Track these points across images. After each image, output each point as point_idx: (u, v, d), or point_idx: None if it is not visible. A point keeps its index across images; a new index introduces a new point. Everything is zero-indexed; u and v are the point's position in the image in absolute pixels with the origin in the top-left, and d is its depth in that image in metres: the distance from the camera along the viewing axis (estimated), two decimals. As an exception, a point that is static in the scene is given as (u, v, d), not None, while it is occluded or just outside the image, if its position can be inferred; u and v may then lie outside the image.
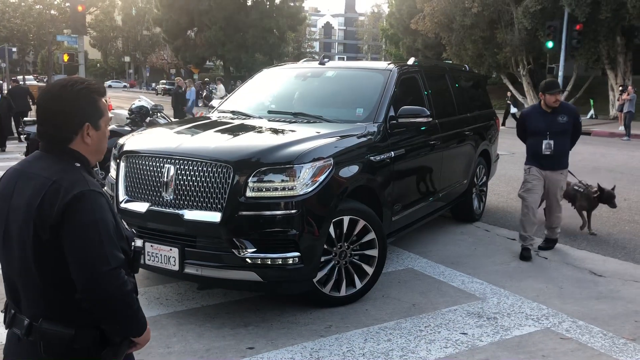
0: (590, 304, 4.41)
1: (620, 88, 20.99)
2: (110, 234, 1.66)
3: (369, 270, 4.42)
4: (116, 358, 1.74)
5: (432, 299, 4.51)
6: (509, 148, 13.14)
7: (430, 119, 5.27)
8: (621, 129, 19.88)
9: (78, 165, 1.72)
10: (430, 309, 4.32)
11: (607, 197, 6.40)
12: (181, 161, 4.02)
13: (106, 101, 1.84)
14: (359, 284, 4.37)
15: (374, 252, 4.43)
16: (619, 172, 11.19)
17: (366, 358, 3.51)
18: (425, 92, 5.85)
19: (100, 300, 1.63)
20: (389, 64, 5.75)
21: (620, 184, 9.91)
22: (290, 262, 3.85)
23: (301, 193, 3.88)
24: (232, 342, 3.68)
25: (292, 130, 4.67)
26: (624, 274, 5.18)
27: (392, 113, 5.00)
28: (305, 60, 6.63)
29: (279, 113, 5.33)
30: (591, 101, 25.75)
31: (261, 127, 4.82)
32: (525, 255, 5.57)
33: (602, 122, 23.71)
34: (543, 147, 5.54)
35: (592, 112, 25.53)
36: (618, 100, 20.72)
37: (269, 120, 5.09)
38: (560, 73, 23.62)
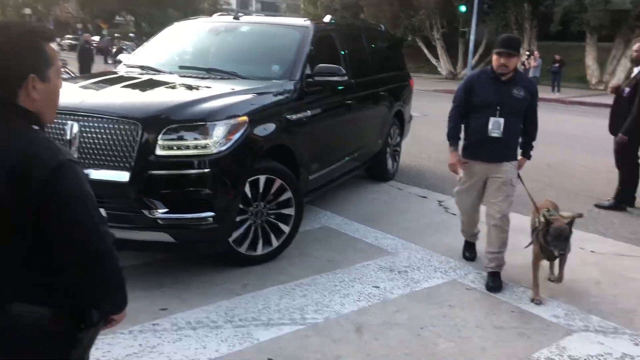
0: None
1: (527, 53, 21.99)
2: (97, 209, 1.52)
3: (286, 229, 4.42)
4: (92, 339, 1.63)
5: (347, 255, 4.60)
6: (423, 109, 13.48)
7: (346, 78, 5.21)
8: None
9: (37, 128, 1.48)
10: (344, 264, 4.40)
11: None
12: (85, 118, 3.79)
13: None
14: (275, 243, 4.37)
15: (290, 211, 4.42)
16: (523, 133, 11.77)
17: (281, 314, 3.54)
18: (342, 52, 5.81)
19: (100, 280, 1.53)
20: (305, 20, 5.66)
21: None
22: (205, 222, 3.77)
23: (215, 152, 3.78)
24: (144, 303, 3.59)
25: (205, 87, 4.52)
26: (525, 228, 5.50)
27: (308, 71, 4.93)
28: (219, 15, 6.40)
29: (191, 69, 5.14)
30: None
31: (172, 83, 4.62)
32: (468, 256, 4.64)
33: (510, 86, 24.78)
34: (490, 126, 4.05)
35: None
36: (524, 65, 21.69)
37: (181, 76, 4.90)
38: (472, 37, 24.38)
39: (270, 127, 4.30)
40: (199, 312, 3.52)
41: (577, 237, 5.29)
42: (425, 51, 31.84)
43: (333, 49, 5.73)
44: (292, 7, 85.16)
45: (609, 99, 6.59)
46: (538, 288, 3.90)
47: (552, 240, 3.74)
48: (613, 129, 6.30)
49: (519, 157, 4.28)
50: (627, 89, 6.15)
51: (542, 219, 3.88)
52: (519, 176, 4.25)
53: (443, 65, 31.50)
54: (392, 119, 7.20)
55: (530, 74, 19.98)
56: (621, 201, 6.32)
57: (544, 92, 20.71)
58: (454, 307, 3.76)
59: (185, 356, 3.02)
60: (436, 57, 31.65)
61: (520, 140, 4.26)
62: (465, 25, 27.35)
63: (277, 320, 3.46)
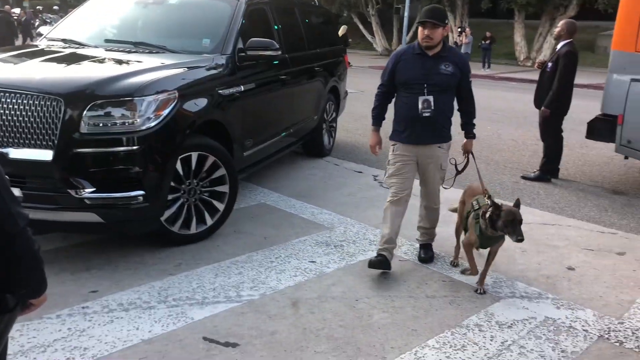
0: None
1: (459, 30, 22.45)
2: (8, 189, 1.43)
3: (220, 206, 4.36)
4: (8, 325, 1.54)
5: (283, 231, 4.60)
6: (357, 86, 13.56)
7: (280, 53, 5.12)
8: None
9: None
10: (281, 241, 4.40)
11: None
12: (3, 94, 3.57)
13: None
14: (209, 221, 4.31)
15: (224, 189, 4.36)
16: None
17: (216, 292, 3.51)
18: (276, 26, 5.72)
19: (13, 263, 1.47)
20: None
21: (455, 119, 10.74)
22: (134, 201, 3.66)
23: (143, 128, 3.65)
24: (73, 286, 3.47)
25: (133, 61, 4.34)
26: (456, 201, 5.66)
27: (240, 45, 4.83)
28: None
29: (118, 42, 4.92)
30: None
31: (97, 57, 4.41)
32: (373, 261, 3.82)
33: (443, 62, 25.28)
34: (420, 105, 3.76)
35: None
36: (455, 41, 22.16)
37: (106, 50, 4.69)
38: (406, 14, 24.60)
39: (202, 102, 4.20)
40: (131, 294, 3.43)
41: (505, 208, 5.51)
42: (361, 27, 31.92)
43: (266, 22, 5.65)
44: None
45: (536, 75, 6.83)
46: (478, 272, 3.73)
47: (506, 225, 3.43)
48: (537, 102, 6.55)
49: (465, 140, 4.12)
50: (549, 64, 6.40)
51: (486, 202, 3.62)
52: (472, 155, 4.14)
53: (378, 41, 31.71)
54: (328, 94, 7.17)
55: (462, 51, 20.41)
56: (546, 173, 6.61)
57: (475, 68, 21.22)
58: (388, 279, 3.84)
59: (118, 338, 2.95)
60: (372, 33, 31.82)
61: (461, 122, 4.07)
62: (399, 1, 27.56)
63: (212, 299, 3.42)
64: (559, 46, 6.44)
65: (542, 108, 6.38)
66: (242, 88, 4.74)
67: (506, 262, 4.19)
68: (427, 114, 3.78)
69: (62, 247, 4.06)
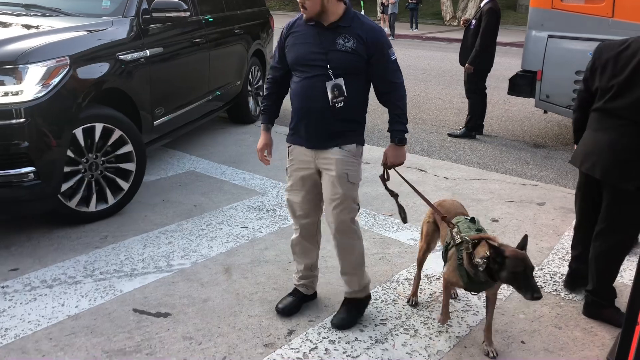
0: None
1: (386, -10, 22.45)
2: None
3: (125, 185, 4.14)
4: None
5: (214, 199, 4.53)
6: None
7: (188, 14, 4.78)
8: (385, 30, 21.52)
9: None
10: (212, 208, 4.34)
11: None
12: None
13: None
14: (111, 200, 4.06)
15: (131, 166, 4.15)
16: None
17: (146, 263, 3.43)
18: None
19: None
20: None
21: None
22: (25, 178, 3.39)
23: (31, 98, 3.35)
24: (-10, 266, 3.30)
25: (20, 24, 4.02)
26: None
27: (145, 6, 4.54)
28: None
29: (5, 4, 4.57)
30: (362, 3, 27.22)
31: None
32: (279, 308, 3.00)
33: (371, 23, 25.32)
34: (329, 93, 2.65)
35: (362, 12, 27.07)
36: (382, 1, 22.18)
37: None
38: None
39: (100, 69, 3.92)
40: (55, 269, 3.30)
41: (432, 164, 5.66)
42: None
43: None
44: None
45: (462, 34, 6.95)
46: (449, 319, 2.90)
47: (514, 279, 2.44)
48: (462, 60, 6.69)
49: (389, 145, 2.80)
50: (473, 21, 6.52)
51: (486, 249, 2.52)
52: (386, 171, 2.88)
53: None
54: (252, 58, 6.95)
55: (389, 11, 20.49)
56: (471, 129, 6.81)
57: (403, 28, 21.49)
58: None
59: (42, 316, 2.84)
60: None
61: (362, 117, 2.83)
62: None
63: (142, 270, 3.35)
64: (482, 4, 6.55)
65: (466, 65, 6.53)
66: (148, 53, 4.45)
67: (434, 217, 4.31)
68: (341, 105, 2.67)
69: (-23, 226, 3.84)
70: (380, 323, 2.91)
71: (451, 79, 11.04)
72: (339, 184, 2.74)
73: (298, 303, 3.04)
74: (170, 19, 4.65)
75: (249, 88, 6.99)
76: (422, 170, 5.47)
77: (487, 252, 2.49)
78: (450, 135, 6.87)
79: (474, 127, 6.82)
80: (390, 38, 19.95)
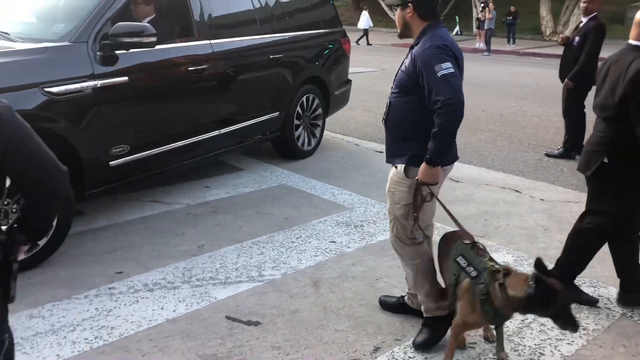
0: (448, 208, 4.77)
1: (482, 5, 22.03)
2: None
3: (42, 241, 3.49)
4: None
5: (304, 212, 4.64)
6: (381, 64, 13.45)
7: (154, 39, 4.01)
8: (481, 45, 21.08)
9: None
10: (301, 221, 4.44)
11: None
12: None
13: None
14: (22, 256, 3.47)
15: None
16: (479, 86, 11.93)
17: (239, 272, 3.57)
18: (200, 6, 4.85)
19: (61, 200, 1.69)
20: None
21: (479, 96, 10.60)
22: None
23: None
24: (99, 267, 3.56)
25: None
26: (477, 179, 5.64)
27: (109, 31, 3.94)
28: None
29: None
30: (456, 18, 26.86)
31: None
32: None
33: (467, 39, 24.92)
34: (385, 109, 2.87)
35: (457, 28, 26.67)
36: (478, 17, 21.78)
37: None
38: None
39: (17, 104, 3.24)
40: (156, 274, 3.51)
41: (527, 185, 5.47)
42: (383, 5, 31.49)
43: (179, 2, 4.81)
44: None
45: (562, 50, 6.70)
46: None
47: (558, 315, 2.29)
48: (562, 76, 6.44)
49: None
50: (577, 38, 6.27)
51: (479, 258, 2.54)
52: (429, 190, 2.72)
53: (386, 26, 31.31)
54: (303, 87, 6.04)
55: (485, 27, 20.08)
56: (570, 149, 6.51)
57: (499, 44, 20.97)
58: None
59: (143, 318, 3.03)
60: (367, 7, 31.40)
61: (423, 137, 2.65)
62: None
63: (235, 279, 3.49)
64: (584, 19, 6.29)
65: (566, 80, 6.29)
66: (99, 84, 3.81)
67: (528, 240, 4.17)
68: (383, 121, 2.85)
69: (88, 230, 4.15)
70: (468, 346, 2.85)
71: (549, 96, 10.61)
72: (389, 200, 2.88)
73: (399, 306, 3.13)
74: (136, 45, 3.98)
75: (299, 120, 6.11)
76: (517, 191, 5.30)
77: (530, 283, 2.29)
78: (547, 155, 6.60)
79: (572, 146, 6.51)
80: (485, 54, 19.55)
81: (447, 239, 2.83)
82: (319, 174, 5.69)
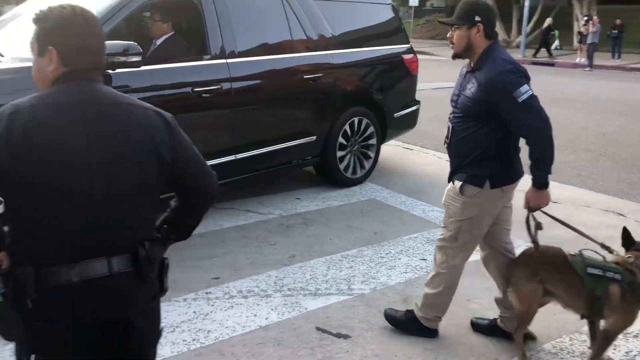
0: (546, 229, 4.58)
1: (585, 18, 21.06)
2: None
3: None
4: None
5: (394, 228, 4.63)
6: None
7: (139, 59, 3.76)
8: (582, 60, 20.10)
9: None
10: (391, 237, 4.43)
11: None
12: None
13: None
14: None
15: None
16: (579, 102, 11.40)
17: (329, 284, 3.62)
18: (218, 19, 4.53)
19: (212, 200, 1.83)
20: None
21: (579, 113, 10.13)
22: None
23: None
24: (197, 273, 3.74)
25: None
26: (577, 200, 5.39)
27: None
28: None
29: None
30: (556, 32, 25.80)
31: None
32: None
33: (567, 53, 23.89)
34: (446, 132, 2.91)
35: (557, 42, 25.64)
36: (580, 30, 20.82)
37: None
38: (527, 3, 23.46)
39: None
40: (250, 282, 3.64)
41: (632, 208, 5.16)
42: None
43: (193, 17, 4.62)
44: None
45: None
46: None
47: None
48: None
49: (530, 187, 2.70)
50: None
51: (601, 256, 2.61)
52: (532, 215, 2.80)
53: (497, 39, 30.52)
54: (352, 109, 5.54)
55: (589, 41, 19.15)
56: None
57: (603, 59, 19.92)
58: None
59: (237, 323, 3.15)
60: None
61: (488, 158, 2.74)
62: (519, -10, 26.36)
63: (325, 290, 3.54)
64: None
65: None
66: None
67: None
68: (445, 145, 2.91)
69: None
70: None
71: (659, 114, 9.96)
72: (447, 215, 2.91)
73: (492, 329, 3.07)
74: (121, 65, 3.75)
75: (346, 144, 5.56)
76: (621, 215, 5.01)
77: None
78: (656, 177, 6.20)
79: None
80: (587, 69, 18.63)
81: (538, 257, 2.76)
82: (408, 189, 5.66)
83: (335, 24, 5.47)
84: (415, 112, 6.44)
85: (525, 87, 2.53)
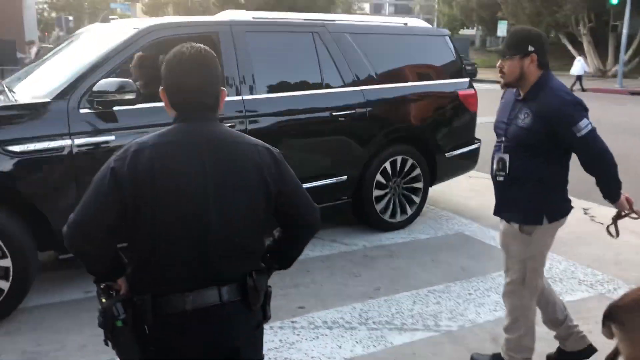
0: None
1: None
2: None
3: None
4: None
5: (482, 263, 4.49)
6: (592, 112, 12.67)
7: (134, 96, 3.70)
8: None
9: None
10: (479, 272, 4.31)
11: None
12: None
13: None
14: None
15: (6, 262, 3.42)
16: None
17: (415, 319, 3.56)
18: (237, 58, 4.34)
19: (315, 233, 1.91)
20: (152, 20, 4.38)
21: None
22: None
23: None
24: (282, 302, 3.79)
25: None
26: None
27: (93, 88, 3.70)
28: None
29: None
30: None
31: None
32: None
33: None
34: (494, 164, 2.80)
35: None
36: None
37: None
38: (625, 31, 22.46)
39: None
40: (334, 313, 3.64)
41: None
42: (570, 48, 29.87)
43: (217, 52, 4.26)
44: (426, 8, 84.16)
45: None
46: None
47: None
48: None
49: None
50: None
51: None
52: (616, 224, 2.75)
53: (590, 62, 29.33)
54: (387, 147, 5.13)
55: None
56: None
57: None
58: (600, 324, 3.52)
59: (322, 354, 3.15)
60: (582, 54, 29.58)
61: (543, 191, 2.70)
62: (617, 18, 25.27)
63: (411, 326, 3.48)
64: None
65: None
66: (73, 142, 3.57)
67: None
68: (500, 178, 2.77)
69: (274, 264, 4.45)
70: None
71: None
72: (507, 256, 2.92)
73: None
74: (117, 102, 3.70)
75: (386, 183, 5.18)
76: None
77: None
78: None
79: None
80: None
81: None
82: (498, 224, 5.46)
83: (377, 59, 5.16)
84: (474, 152, 5.87)
85: (584, 122, 2.54)
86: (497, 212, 2.89)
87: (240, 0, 44.94)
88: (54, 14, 51.12)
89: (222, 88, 1.76)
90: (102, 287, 1.73)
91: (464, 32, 50.44)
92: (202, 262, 1.63)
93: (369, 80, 5.05)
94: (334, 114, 4.78)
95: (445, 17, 48.26)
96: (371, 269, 4.37)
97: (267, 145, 1.77)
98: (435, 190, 5.80)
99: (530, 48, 2.61)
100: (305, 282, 4.13)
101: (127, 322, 1.63)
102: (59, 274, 4.10)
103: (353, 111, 4.88)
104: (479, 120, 5.98)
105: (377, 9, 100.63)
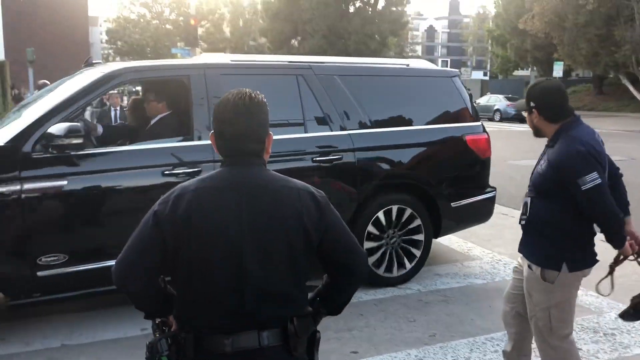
0: None
1: None
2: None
3: None
4: None
5: (543, 312, 4.32)
6: (629, 152, 12.25)
7: (81, 141, 3.68)
8: None
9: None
10: (540, 321, 4.14)
11: None
12: None
13: None
14: None
15: None
16: None
17: (472, 369, 3.44)
18: (208, 98, 4.16)
19: (362, 281, 1.88)
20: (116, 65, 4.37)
21: None
22: None
23: None
24: (336, 345, 3.74)
25: None
26: None
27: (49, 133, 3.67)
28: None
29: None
30: None
31: None
32: None
33: None
34: (522, 208, 2.88)
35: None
36: None
37: None
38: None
39: None
40: (388, 359, 3.56)
41: None
42: (631, 88, 29.08)
43: (184, 97, 4.35)
44: (479, 50, 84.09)
45: None
46: None
47: None
48: None
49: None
50: None
51: None
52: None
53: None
54: (378, 196, 4.76)
55: None
56: None
57: None
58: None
59: (376, 401, 3.08)
60: None
61: (563, 238, 2.68)
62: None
63: (469, 375, 3.36)
64: None
65: None
66: (24, 187, 3.57)
67: None
68: (522, 222, 2.81)
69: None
70: None
71: None
72: (528, 299, 2.78)
73: None
74: (66, 147, 3.67)
75: (381, 235, 4.78)
76: None
77: None
78: None
79: None
80: None
81: None
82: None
83: (371, 101, 4.88)
84: (487, 201, 5.36)
85: (592, 175, 2.51)
86: (520, 250, 2.86)
87: (294, 44, 46.32)
88: (118, 59, 53.98)
89: (270, 132, 1.78)
90: (157, 322, 1.80)
91: (518, 72, 49.98)
92: (241, 305, 1.64)
93: (359, 124, 4.77)
94: (315, 159, 4.52)
95: (498, 59, 48.08)
96: (426, 314, 4.27)
97: (312, 189, 1.76)
98: (491, 235, 5.67)
99: (532, 104, 2.72)
100: (359, 325, 4.08)
101: (171, 358, 1.67)
102: (117, 310, 4.20)
103: (338, 156, 4.60)
104: (527, 163, 5.81)
105: (429, 51, 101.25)
